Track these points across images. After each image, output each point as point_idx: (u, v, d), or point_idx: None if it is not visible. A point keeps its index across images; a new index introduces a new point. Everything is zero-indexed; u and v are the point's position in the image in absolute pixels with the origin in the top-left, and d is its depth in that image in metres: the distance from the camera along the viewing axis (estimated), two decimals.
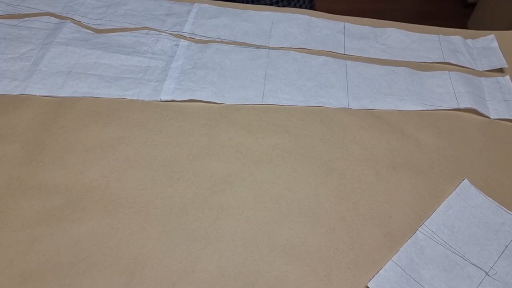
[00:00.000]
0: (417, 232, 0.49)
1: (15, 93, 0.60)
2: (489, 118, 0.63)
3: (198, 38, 0.72)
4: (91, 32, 0.70)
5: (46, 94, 0.60)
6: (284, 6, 0.88)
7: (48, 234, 0.47)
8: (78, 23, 0.71)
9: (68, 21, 0.71)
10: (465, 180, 0.55)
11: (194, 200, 0.51)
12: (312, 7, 0.92)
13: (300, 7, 0.90)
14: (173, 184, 0.52)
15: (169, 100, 0.62)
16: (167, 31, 0.72)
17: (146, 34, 0.71)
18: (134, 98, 0.61)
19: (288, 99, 0.63)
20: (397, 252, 0.47)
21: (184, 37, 0.71)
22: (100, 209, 0.49)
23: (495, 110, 0.64)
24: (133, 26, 0.72)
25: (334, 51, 0.72)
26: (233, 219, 0.49)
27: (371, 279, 0.45)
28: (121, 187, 0.51)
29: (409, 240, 0.48)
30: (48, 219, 0.48)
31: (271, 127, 0.59)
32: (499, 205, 0.52)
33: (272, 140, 0.58)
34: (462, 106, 0.63)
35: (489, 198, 0.52)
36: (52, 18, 0.71)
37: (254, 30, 0.74)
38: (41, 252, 0.45)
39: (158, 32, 0.71)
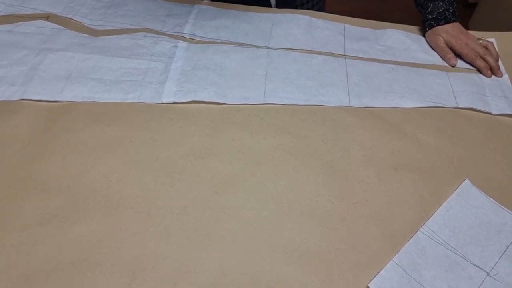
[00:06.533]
0: (418, 232, 0.49)
1: (14, 99, 0.59)
2: (491, 114, 0.63)
3: (198, 39, 0.72)
4: (88, 36, 0.69)
5: (46, 99, 0.60)
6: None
7: (50, 235, 0.47)
8: (79, 23, 0.71)
9: (64, 28, 0.70)
10: (466, 180, 0.55)
11: (195, 201, 0.51)
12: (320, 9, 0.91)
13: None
14: (175, 184, 0.52)
15: (171, 102, 0.61)
16: (167, 32, 0.72)
17: (144, 36, 0.71)
18: (135, 102, 0.61)
19: (290, 98, 0.63)
20: (398, 253, 0.47)
21: (184, 38, 0.71)
22: (101, 209, 0.49)
23: (496, 106, 0.64)
24: (133, 27, 0.72)
25: (334, 52, 0.72)
26: (234, 220, 0.49)
27: (372, 280, 0.45)
28: (123, 188, 0.51)
29: (410, 240, 0.48)
30: (49, 219, 0.48)
31: (273, 127, 0.59)
32: (500, 205, 0.52)
33: (274, 141, 0.58)
34: (460, 105, 0.63)
35: (491, 198, 0.52)
36: (46, 23, 0.71)
37: (254, 31, 0.74)
38: (43, 252, 0.45)
39: (156, 35, 0.71)
